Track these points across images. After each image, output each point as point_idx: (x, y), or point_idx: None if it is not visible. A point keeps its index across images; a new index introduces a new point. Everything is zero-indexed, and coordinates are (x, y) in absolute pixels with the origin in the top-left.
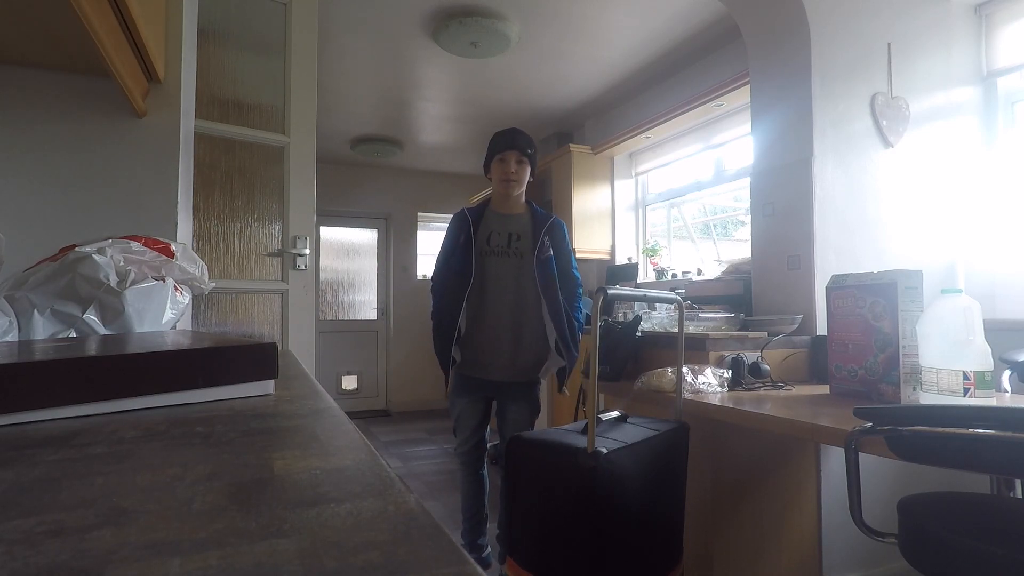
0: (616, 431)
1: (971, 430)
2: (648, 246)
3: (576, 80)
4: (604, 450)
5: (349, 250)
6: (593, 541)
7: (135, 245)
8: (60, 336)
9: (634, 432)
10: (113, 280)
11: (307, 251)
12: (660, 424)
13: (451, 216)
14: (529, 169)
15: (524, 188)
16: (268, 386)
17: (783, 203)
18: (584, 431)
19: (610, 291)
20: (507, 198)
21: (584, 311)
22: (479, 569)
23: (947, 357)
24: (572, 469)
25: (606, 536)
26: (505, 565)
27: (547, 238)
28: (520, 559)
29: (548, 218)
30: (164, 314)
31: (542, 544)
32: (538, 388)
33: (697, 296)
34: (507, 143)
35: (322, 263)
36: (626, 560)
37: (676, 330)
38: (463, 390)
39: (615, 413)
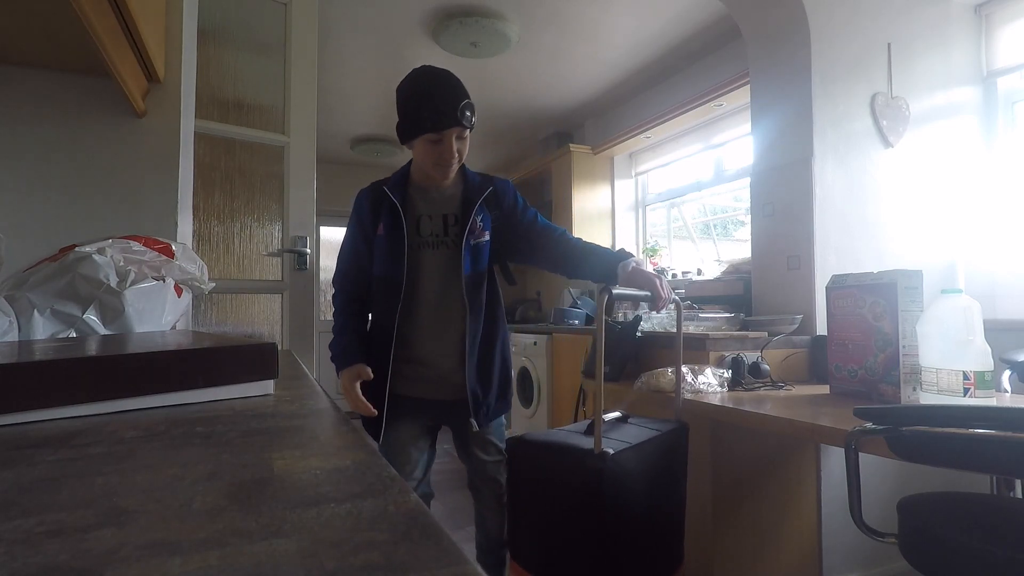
0: (618, 431)
1: (971, 430)
2: (648, 246)
3: (576, 80)
4: (611, 451)
5: None
6: (599, 543)
7: (135, 245)
8: (60, 336)
9: (636, 432)
10: (113, 280)
11: (307, 251)
12: (661, 424)
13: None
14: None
15: None
16: (268, 386)
17: (783, 203)
18: (587, 432)
19: (614, 291)
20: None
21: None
22: (479, 569)
23: (947, 357)
24: (578, 470)
25: (612, 538)
26: (508, 568)
27: (480, 217)
28: (523, 562)
29: (486, 184)
30: (164, 314)
31: (547, 547)
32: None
33: (697, 296)
34: (447, 118)
35: (322, 263)
36: (631, 562)
37: (676, 330)
38: (396, 416)
39: (616, 413)
